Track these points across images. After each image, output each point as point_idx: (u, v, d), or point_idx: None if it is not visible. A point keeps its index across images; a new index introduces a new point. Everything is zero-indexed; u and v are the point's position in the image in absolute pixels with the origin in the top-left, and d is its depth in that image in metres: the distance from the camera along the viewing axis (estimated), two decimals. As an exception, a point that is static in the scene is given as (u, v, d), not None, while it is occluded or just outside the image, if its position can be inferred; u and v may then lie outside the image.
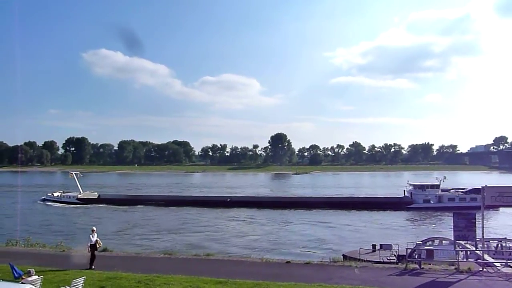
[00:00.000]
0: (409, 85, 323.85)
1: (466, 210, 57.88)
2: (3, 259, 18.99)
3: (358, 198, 73.02)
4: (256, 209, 62.35)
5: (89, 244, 17.85)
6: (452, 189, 68.53)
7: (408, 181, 73.07)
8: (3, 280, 10.64)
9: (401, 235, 41.82)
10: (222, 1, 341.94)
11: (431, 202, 64.46)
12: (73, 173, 77.95)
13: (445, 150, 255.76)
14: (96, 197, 73.05)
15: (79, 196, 72.08)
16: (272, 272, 17.28)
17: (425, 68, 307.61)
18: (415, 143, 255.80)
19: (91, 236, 17.99)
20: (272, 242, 39.77)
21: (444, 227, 48.82)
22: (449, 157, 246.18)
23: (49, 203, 70.10)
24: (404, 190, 69.64)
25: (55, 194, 74.04)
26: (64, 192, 75.31)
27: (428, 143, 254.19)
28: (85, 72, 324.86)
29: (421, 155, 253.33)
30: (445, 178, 67.31)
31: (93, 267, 17.52)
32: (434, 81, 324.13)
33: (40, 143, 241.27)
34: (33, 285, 10.39)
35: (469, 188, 68.26)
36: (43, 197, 74.10)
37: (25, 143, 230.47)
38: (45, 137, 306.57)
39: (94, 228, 18.75)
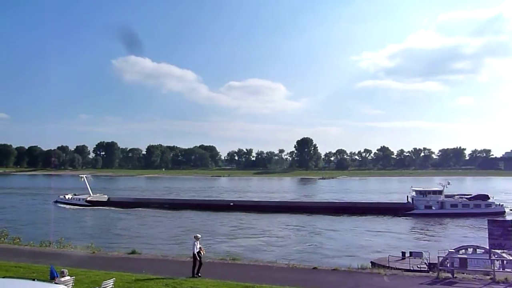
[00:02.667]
0: (439, 88, 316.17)
1: (469, 217, 58.02)
2: (38, 260, 19.69)
3: (359, 203, 72.59)
4: (257, 213, 62.83)
5: (194, 252, 16.75)
6: (457, 195, 66.98)
7: (411, 187, 71.80)
8: (38, 279, 10.99)
9: (395, 243, 40.76)
10: (247, 6, 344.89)
11: (433, 208, 62.86)
12: (84, 176, 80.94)
13: (478, 155, 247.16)
14: (105, 200, 75.88)
15: (88, 198, 74.92)
16: (299, 278, 17.09)
17: (456, 70, 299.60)
18: (446, 148, 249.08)
19: (195, 243, 16.89)
20: (269, 245, 39.70)
21: (444, 234, 47.74)
22: (482, 162, 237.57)
23: (60, 205, 73.34)
24: (407, 196, 68.17)
25: (67, 197, 77.23)
26: (75, 195, 78.14)
27: (459, 147, 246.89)
28: (115, 78, 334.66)
29: (452, 160, 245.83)
30: (448, 183, 65.98)
31: (199, 274, 16.71)
32: (466, 83, 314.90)
33: (72, 147, 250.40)
34: (65, 285, 10.67)
35: (474, 194, 66.53)
36: (55, 199, 77.33)
37: (58, 147, 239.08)
38: (77, 141, 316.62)
39: (199, 236, 17.60)
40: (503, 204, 63.74)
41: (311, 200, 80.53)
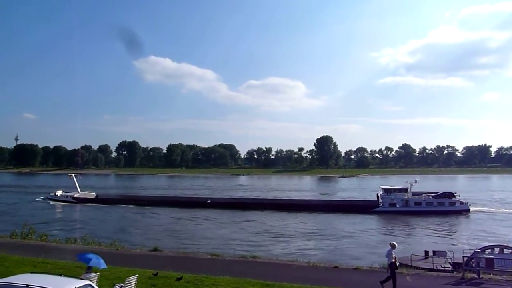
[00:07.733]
0: (463, 84, 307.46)
1: (432, 215, 58.11)
2: (64, 256, 20.22)
3: (328, 201, 73.15)
4: (233, 210, 63.58)
5: (392, 262, 14.88)
6: (424, 193, 66.77)
7: (380, 185, 72.52)
8: (64, 275, 11.30)
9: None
10: (266, 4, 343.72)
11: (397, 206, 62.86)
12: (72, 175, 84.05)
13: (504, 152, 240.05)
14: (93, 197, 78.20)
15: (76, 195, 77.38)
16: (319, 277, 17.00)
17: (480, 65, 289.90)
18: (470, 145, 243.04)
19: (391, 252, 14.96)
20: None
21: (396, 233, 46.48)
22: (509, 160, 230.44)
23: (49, 201, 76.00)
24: (377, 194, 68.36)
25: (57, 193, 79.51)
26: (64, 192, 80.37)
27: (485, 144, 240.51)
28: (137, 79, 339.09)
29: (477, 157, 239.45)
30: (415, 181, 66.13)
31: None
32: (492, 78, 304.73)
33: (95, 147, 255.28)
34: (90, 281, 10.93)
35: (440, 192, 66.11)
36: (46, 196, 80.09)
37: (82, 147, 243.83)
38: (100, 141, 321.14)
39: (396, 244, 15.53)
40: (468, 202, 63.35)
41: (285, 198, 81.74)
